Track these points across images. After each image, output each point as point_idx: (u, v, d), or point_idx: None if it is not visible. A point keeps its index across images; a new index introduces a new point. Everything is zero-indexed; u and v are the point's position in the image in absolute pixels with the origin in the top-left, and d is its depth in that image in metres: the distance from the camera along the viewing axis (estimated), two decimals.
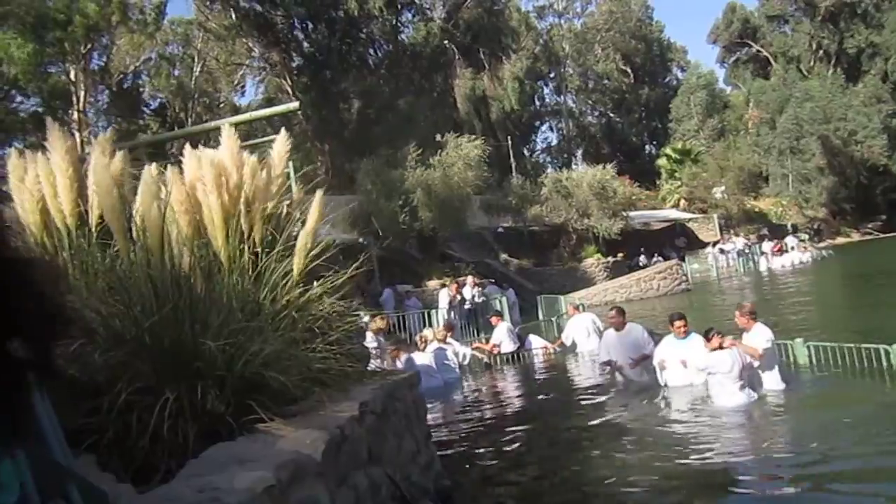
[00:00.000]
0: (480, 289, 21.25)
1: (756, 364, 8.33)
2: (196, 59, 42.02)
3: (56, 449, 2.11)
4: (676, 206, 49.25)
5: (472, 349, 14.69)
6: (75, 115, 31.38)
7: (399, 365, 10.49)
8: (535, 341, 15.13)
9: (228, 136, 3.88)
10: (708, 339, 8.23)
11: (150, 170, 3.52)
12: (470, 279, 21.48)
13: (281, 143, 4.19)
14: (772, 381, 8.34)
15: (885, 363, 8.34)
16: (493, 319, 16.23)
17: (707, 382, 8.23)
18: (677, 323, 9.51)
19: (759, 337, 8.35)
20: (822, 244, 47.42)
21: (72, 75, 31.89)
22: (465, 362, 13.59)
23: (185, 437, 2.87)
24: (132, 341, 3.11)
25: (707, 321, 15.19)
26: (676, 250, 40.39)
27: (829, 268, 33.20)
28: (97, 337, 3.13)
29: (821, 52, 68.38)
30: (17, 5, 27.46)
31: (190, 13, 41.13)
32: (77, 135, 27.40)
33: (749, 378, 8.06)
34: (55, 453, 2.08)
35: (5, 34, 27.36)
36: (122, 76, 38.87)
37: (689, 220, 47.28)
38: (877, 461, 5.69)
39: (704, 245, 42.47)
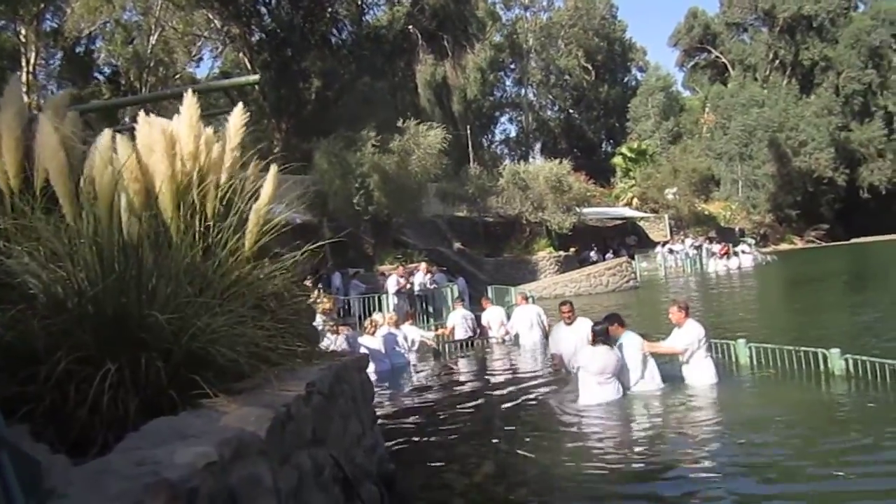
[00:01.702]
0: (432, 276, 21.28)
1: (683, 359, 8.73)
2: (154, 28, 40.96)
3: None
4: (629, 204, 49.98)
5: (435, 334, 14.81)
6: (24, 77, 30.37)
7: (339, 341, 10.40)
8: (412, 332, 14.32)
9: (189, 104, 3.78)
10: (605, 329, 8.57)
11: (105, 134, 3.40)
12: (423, 266, 21.51)
13: (238, 116, 4.09)
14: (704, 375, 8.60)
15: (822, 366, 8.61)
16: (454, 304, 16.44)
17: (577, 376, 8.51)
18: (563, 308, 10.14)
19: (687, 334, 8.67)
20: (766, 249, 48.65)
21: (22, 36, 30.83)
22: (414, 347, 13.63)
23: (125, 409, 2.79)
24: (74, 309, 3.01)
25: (652, 318, 15.54)
26: (627, 248, 41.00)
27: (773, 272, 34.09)
28: (37, 304, 3.02)
29: (777, 61, 69.98)
30: None
31: None
32: (25, 97, 26.51)
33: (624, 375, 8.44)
34: None
35: None
36: (75, 40, 37.70)
37: (641, 219, 48.03)
38: (803, 459, 5.85)
39: (654, 244, 43.21)
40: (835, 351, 8.60)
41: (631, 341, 8.65)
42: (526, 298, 15.77)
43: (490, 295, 22.29)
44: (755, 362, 9.62)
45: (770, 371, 9.20)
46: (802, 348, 8.93)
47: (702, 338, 8.68)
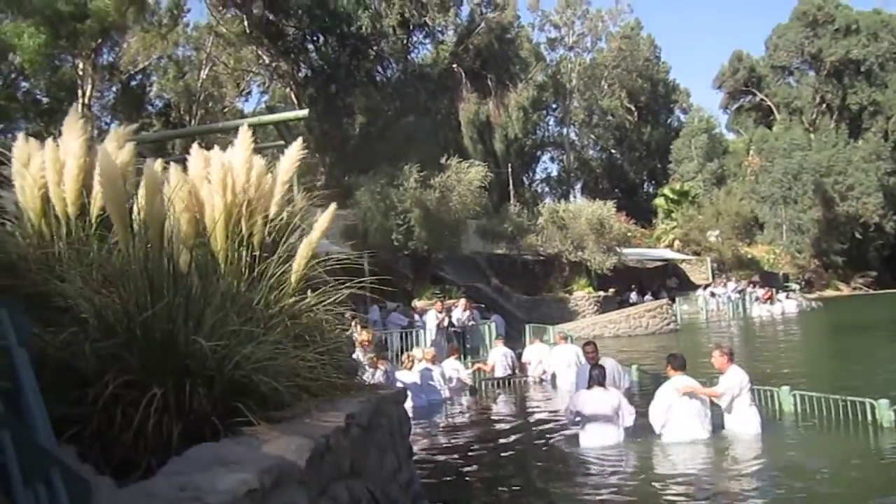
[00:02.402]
0: (471, 312, 21.25)
1: (724, 406, 8.48)
2: (205, 63, 42.15)
3: (41, 432, 2.09)
4: (670, 246, 49.43)
5: (472, 371, 14.78)
6: (80, 109, 31.38)
7: (377, 375, 10.43)
8: (455, 368, 14.23)
9: (244, 137, 3.89)
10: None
11: (156, 164, 3.51)
12: (462, 302, 21.47)
13: (294, 151, 4.19)
14: (748, 424, 8.34)
15: (869, 417, 8.35)
16: (496, 342, 16.41)
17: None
18: (587, 348, 10.18)
19: (729, 380, 8.43)
20: (811, 295, 47.61)
21: (80, 69, 31.96)
22: (452, 384, 13.59)
23: (169, 434, 2.84)
24: (124, 333, 3.09)
25: (692, 362, 15.25)
26: (667, 290, 40.48)
27: (818, 319, 33.33)
28: (88, 327, 3.10)
29: (824, 105, 69.13)
30: None
31: (203, 17, 41.37)
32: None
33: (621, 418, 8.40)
34: (40, 436, 2.07)
35: (19, 24, 27.45)
36: (130, 74, 38.94)
37: (682, 261, 47.44)
38: None
39: (695, 287, 42.58)
40: (883, 402, 8.34)
41: (673, 384, 8.45)
42: (565, 338, 15.65)
43: (528, 333, 22.18)
44: (799, 410, 9.38)
45: (815, 420, 8.95)
46: (849, 398, 8.68)
47: (745, 385, 8.44)
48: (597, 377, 8.54)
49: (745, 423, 8.33)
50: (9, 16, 27.69)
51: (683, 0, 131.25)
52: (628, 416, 8.44)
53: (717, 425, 8.54)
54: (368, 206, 25.76)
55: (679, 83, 77.95)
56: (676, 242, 49.84)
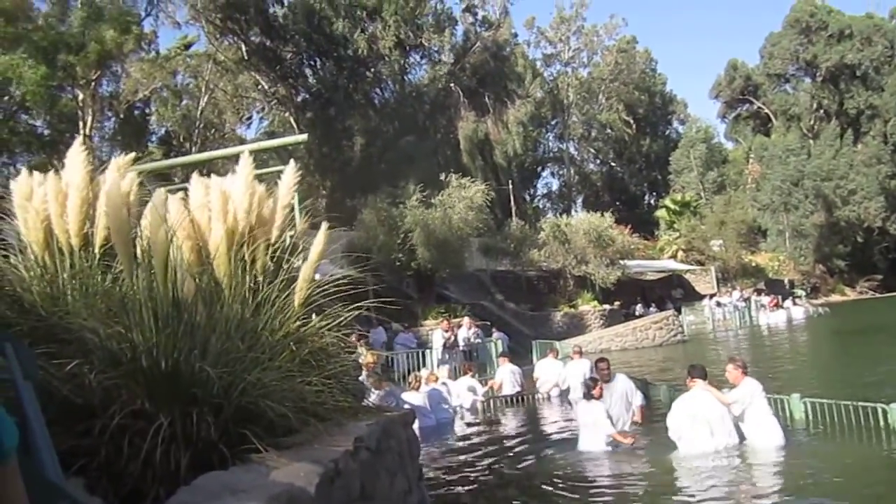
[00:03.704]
0: (477, 330, 21.20)
1: (735, 413, 8.30)
2: (203, 90, 42.44)
3: (49, 466, 2.08)
4: (674, 257, 49.35)
5: (487, 388, 14.75)
6: (81, 139, 31.51)
7: (379, 396, 10.33)
8: (470, 386, 14.55)
9: (245, 164, 3.90)
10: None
11: (160, 193, 3.53)
12: (466, 320, 21.42)
13: (290, 174, 4.20)
14: (768, 433, 8.16)
15: (882, 422, 8.28)
16: (501, 360, 16.33)
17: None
18: (601, 365, 10.46)
19: (742, 390, 8.32)
20: (817, 301, 47.46)
21: (80, 100, 32.16)
22: (461, 403, 13.54)
23: (177, 463, 2.82)
24: (129, 364, 3.08)
25: None
26: (673, 301, 40.38)
27: (825, 324, 33.16)
28: (93, 358, 3.10)
29: (821, 111, 69.31)
30: (34, 29, 27.84)
31: (202, 45, 41.72)
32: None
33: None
34: (48, 470, 2.06)
35: (17, 56, 27.63)
36: (129, 103, 39.19)
37: (687, 271, 47.35)
38: None
39: (701, 297, 42.47)
40: (895, 406, 8.27)
41: (693, 395, 8.36)
42: (580, 352, 15.52)
43: (536, 349, 22.10)
44: (810, 418, 9.30)
45: (826, 427, 8.87)
46: (860, 403, 8.61)
47: (757, 394, 8.29)
48: (588, 391, 9.19)
49: (765, 434, 8.11)
50: (6, 50, 27.87)
51: (678, 12, 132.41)
52: (606, 426, 8.89)
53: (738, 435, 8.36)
54: (371, 226, 25.80)
55: (676, 94, 78.42)
56: (680, 253, 49.75)
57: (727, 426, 8.16)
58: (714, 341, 29.10)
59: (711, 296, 41.44)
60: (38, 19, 30.10)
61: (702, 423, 8.07)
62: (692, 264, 48.42)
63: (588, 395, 9.22)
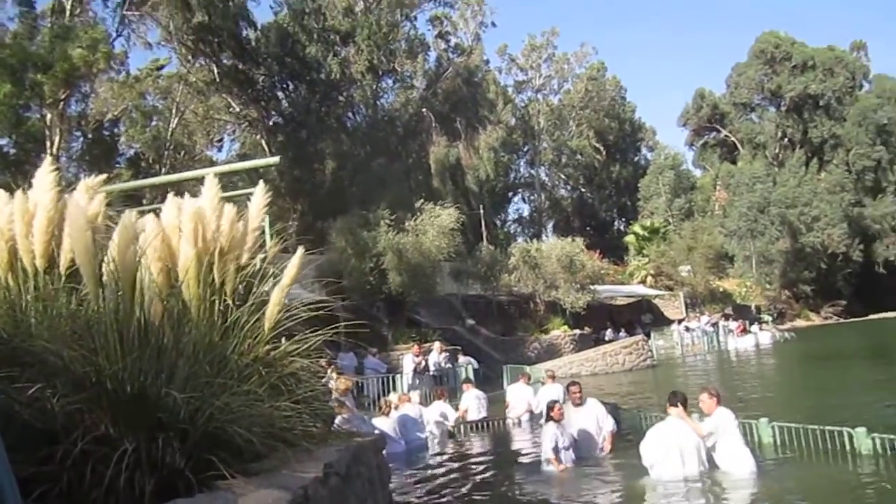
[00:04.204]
0: (447, 355, 21.12)
1: (708, 444, 8.27)
2: (174, 112, 42.12)
3: (9, 493, 2.02)
4: (643, 282, 49.79)
5: (460, 414, 14.58)
6: (48, 160, 31.01)
7: (343, 418, 10.17)
8: (443, 410, 14.07)
9: (211, 185, 3.86)
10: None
11: (130, 214, 3.48)
12: (437, 345, 21.36)
13: (259, 196, 4.17)
14: (740, 462, 8.12)
15: (848, 446, 8.37)
16: (465, 386, 16.18)
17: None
18: (573, 389, 10.62)
19: (715, 420, 8.31)
20: (784, 326, 48.08)
21: (48, 120, 31.71)
22: (438, 428, 13.43)
23: (141, 490, 2.76)
24: (93, 388, 3.02)
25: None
26: (642, 326, 40.64)
27: (792, 349, 33.57)
28: (56, 382, 3.03)
29: (786, 139, 70.78)
30: (0, 47, 27.49)
31: (172, 67, 41.49)
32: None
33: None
34: (7, 497, 2.00)
35: None
36: (98, 124, 38.74)
37: (656, 296, 47.77)
38: None
39: (670, 322, 42.82)
40: (861, 430, 8.37)
41: (670, 423, 8.37)
42: (552, 377, 15.49)
43: (506, 374, 22.04)
44: (778, 442, 9.37)
45: (794, 452, 8.94)
46: (827, 428, 8.70)
47: (730, 423, 8.30)
48: (548, 409, 9.74)
49: (738, 463, 8.09)
50: None
51: (646, 41, 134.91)
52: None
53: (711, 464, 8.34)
54: (342, 248, 25.70)
55: (645, 122, 79.67)
56: (649, 278, 50.22)
57: (700, 456, 8.11)
58: (683, 366, 29.29)
59: (680, 321, 41.80)
60: (5, 37, 29.75)
61: (674, 451, 8.07)
62: (661, 289, 48.88)
63: (548, 417, 9.61)
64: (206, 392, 3.16)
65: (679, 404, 8.41)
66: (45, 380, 2.99)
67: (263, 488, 2.88)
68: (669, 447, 8.07)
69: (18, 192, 3.84)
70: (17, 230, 3.75)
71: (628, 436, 10.88)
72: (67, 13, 31.82)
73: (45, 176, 3.86)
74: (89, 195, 4.02)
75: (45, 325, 3.46)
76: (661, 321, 43.94)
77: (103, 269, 3.47)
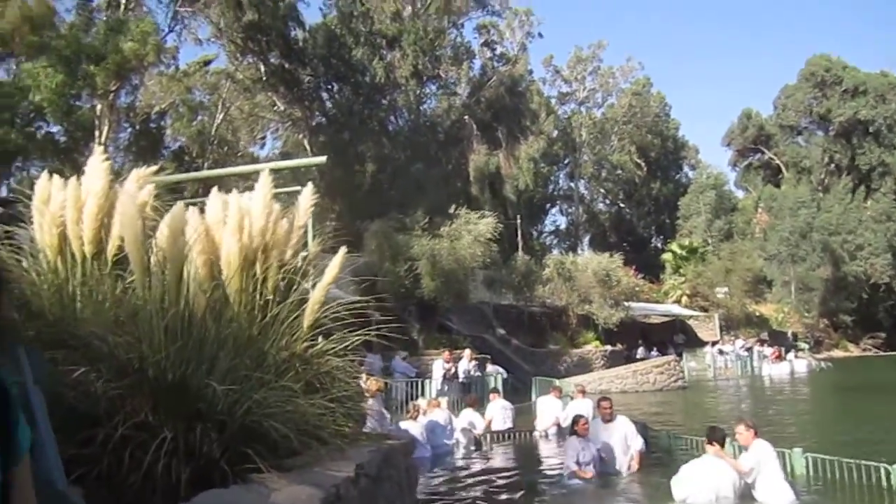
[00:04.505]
0: (476, 363, 21.07)
1: (749, 480, 7.99)
2: (219, 108, 42.74)
3: (56, 473, 2.06)
4: (678, 301, 49.17)
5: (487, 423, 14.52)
6: (98, 149, 31.65)
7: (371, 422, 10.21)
8: (472, 419, 14.04)
9: (265, 182, 3.91)
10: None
11: (179, 206, 3.53)
12: (467, 352, 21.31)
13: (307, 196, 4.21)
14: (779, 497, 7.89)
15: (885, 482, 8.15)
16: (491, 396, 16.11)
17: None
18: (603, 404, 10.54)
19: (756, 454, 8.07)
20: (820, 355, 47.10)
21: (98, 110, 32.41)
22: (459, 436, 13.39)
23: (177, 478, 2.80)
24: (136, 374, 3.06)
25: (700, 422, 14.97)
26: (675, 346, 40.15)
27: (829, 379, 32.87)
28: (101, 366, 3.08)
29: (832, 165, 69.41)
30: (57, 37, 28.18)
31: (221, 63, 42.14)
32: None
33: None
34: (54, 475, 2.04)
35: (38, 64, 27.97)
36: (146, 116, 39.47)
37: (690, 317, 47.14)
38: None
39: (703, 344, 42.23)
40: None
41: (708, 461, 8.08)
42: (583, 392, 15.38)
43: (535, 386, 21.93)
44: (811, 473, 9.16)
45: (827, 483, 8.73)
46: (863, 462, 8.48)
47: (768, 456, 8.03)
48: (573, 424, 9.95)
49: (777, 497, 7.83)
50: (30, 58, 28.23)
51: (693, 59, 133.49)
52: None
53: (748, 496, 8.14)
54: (376, 251, 25.82)
55: (688, 140, 78.76)
56: (684, 298, 49.58)
57: (736, 497, 7.82)
58: (715, 389, 28.85)
59: (714, 343, 41.21)
60: (62, 28, 30.50)
61: (709, 493, 7.82)
62: (696, 310, 48.22)
63: (571, 431, 9.76)
64: (244, 385, 3.19)
65: (716, 442, 8.12)
66: (88, 364, 3.05)
67: (296, 484, 2.89)
68: (702, 489, 7.81)
69: (72, 180, 3.92)
70: (69, 216, 3.83)
71: (655, 454, 10.74)
72: (122, 7, 32.55)
73: (97, 164, 3.93)
74: (139, 185, 4.09)
75: (90, 309, 3.52)
76: (695, 342, 43.36)
77: (150, 259, 3.52)
